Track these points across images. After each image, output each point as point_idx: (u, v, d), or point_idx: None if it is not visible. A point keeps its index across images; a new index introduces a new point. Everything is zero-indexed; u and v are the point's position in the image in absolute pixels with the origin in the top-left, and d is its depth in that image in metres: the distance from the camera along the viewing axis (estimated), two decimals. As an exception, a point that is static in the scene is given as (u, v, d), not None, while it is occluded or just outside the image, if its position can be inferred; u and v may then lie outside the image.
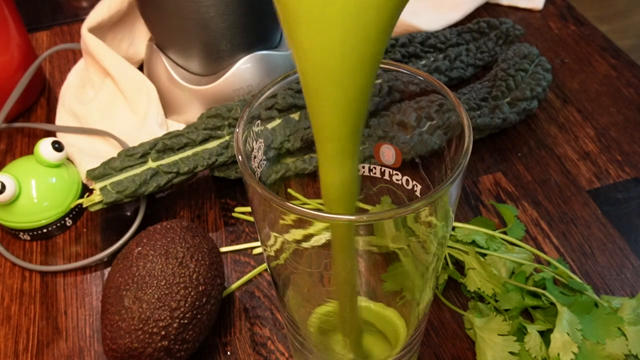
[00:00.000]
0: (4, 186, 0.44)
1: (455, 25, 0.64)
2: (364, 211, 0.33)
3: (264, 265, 0.45)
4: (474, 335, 0.40)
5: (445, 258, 0.43)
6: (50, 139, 0.47)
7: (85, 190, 0.50)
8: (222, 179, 0.51)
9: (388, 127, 0.32)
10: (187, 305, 0.36)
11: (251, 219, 0.48)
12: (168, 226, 0.40)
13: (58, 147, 0.47)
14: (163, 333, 0.36)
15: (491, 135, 0.53)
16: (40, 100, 0.61)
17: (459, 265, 0.43)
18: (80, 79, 0.58)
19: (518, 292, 0.40)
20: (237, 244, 0.47)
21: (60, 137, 0.53)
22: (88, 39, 0.54)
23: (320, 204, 0.27)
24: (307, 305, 0.31)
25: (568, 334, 0.36)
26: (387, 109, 0.32)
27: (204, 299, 0.38)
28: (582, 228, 0.47)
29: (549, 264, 0.43)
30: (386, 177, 0.32)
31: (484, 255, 0.42)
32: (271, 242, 0.28)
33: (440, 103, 0.29)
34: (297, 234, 0.26)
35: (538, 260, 0.44)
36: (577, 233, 0.47)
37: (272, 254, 0.29)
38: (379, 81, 0.32)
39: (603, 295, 0.40)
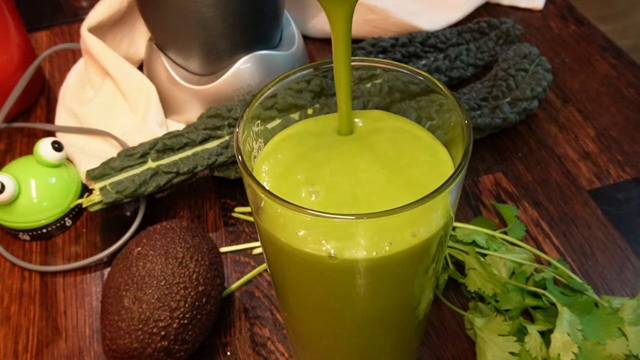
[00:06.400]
0: (3, 186, 0.44)
1: (456, 25, 0.64)
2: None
3: (264, 265, 0.45)
4: (474, 336, 0.39)
5: (445, 258, 0.43)
6: (50, 139, 0.47)
7: (85, 190, 0.50)
8: (222, 179, 0.51)
9: (388, 127, 0.32)
10: (187, 305, 0.36)
11: (251, 219, 0.48)
12: (168, 226, 0.40)
13: (58, 147, 0.47)
14: (163, 333, 0.36)
15: (491, 135, 0.53)
16: (39, 100, 0.61)
17: (459, 266, 0.43)
18: (80, 79, 0.58)
19: (518, 292, 0.40)
20: (237, 244, 0.47)
21: (60, 137, 0.53)
22: (88, 39, 0.54)
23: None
24: (307, 304, 0.31)
25: (568, 334, 0.36)
26: (387, 109, 0.32)
27: (204, 299, 0.37)
28: (582, 228, 0.47)
29: (549, 264, 0.43)
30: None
31: (484, 255, 0.42)
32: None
33: (440, 103, 0.29)
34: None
35: (538, 260, 0.44)
36: (577, 233, 0.46)
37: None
38: (378, 81, 0.32)
39: (603, 296, 0.40)
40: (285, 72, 0.30)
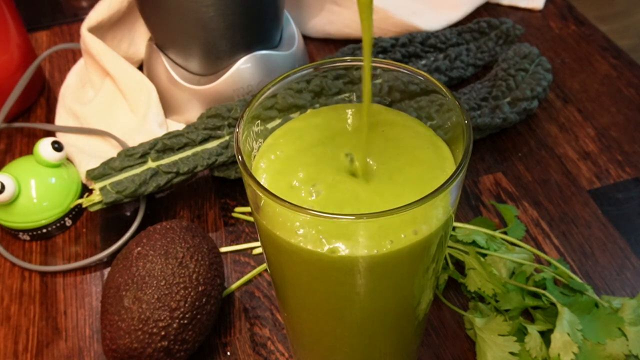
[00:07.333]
0: (3, 186, 0.44)
1: (456, 25, 0.64)
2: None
3: (264, 265, 0.45)
4: (474, 336, 0.39)
5: (445, 258, 0.43)
6: (50, 139, 0.47)
7: (85, 190, 0.50)
8: (222, 179, 0.51)
9: (388, 127, 0.32)
10: (187, 305, 0.36)
11: (251, 219, 0.48)
12: (168, 226, 0.40)
13: (58, 147, 0.47)
14: (163, 333, 0.36)
15: (491, 135, 0.53)
16: (39, 100, 0.61)
17: (459, 266, 0.43)
18: (80, 79, 0.58)
19: (518, 292, 0.40)
20: (237, 244, 0.47)
21: (60, 137, 0.53)
22: (88, 39, 0.54)
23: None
24: (307, 304, 0.31)
25: (568, 334, 0.36)
26: (387, 109, 0.32)
27: (204, 299, 0.37)
28: (582, 228, 0.47)
29: (549, 264, 0.43)
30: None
31: (484, 255, 0.42)
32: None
33: (440, 103, 0.29)
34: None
35: (538, 260, 0.44)
36: (577, 233, 0.46)
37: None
38: (378, 81, 0.32)
39: (603, 296, 0.40)
40: (285, 72, 0.30)
